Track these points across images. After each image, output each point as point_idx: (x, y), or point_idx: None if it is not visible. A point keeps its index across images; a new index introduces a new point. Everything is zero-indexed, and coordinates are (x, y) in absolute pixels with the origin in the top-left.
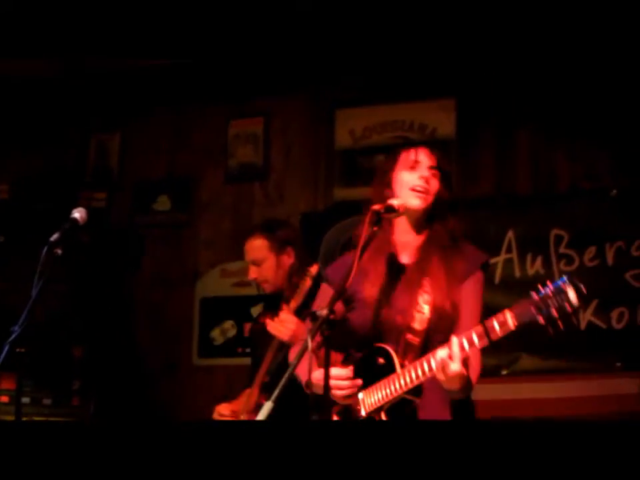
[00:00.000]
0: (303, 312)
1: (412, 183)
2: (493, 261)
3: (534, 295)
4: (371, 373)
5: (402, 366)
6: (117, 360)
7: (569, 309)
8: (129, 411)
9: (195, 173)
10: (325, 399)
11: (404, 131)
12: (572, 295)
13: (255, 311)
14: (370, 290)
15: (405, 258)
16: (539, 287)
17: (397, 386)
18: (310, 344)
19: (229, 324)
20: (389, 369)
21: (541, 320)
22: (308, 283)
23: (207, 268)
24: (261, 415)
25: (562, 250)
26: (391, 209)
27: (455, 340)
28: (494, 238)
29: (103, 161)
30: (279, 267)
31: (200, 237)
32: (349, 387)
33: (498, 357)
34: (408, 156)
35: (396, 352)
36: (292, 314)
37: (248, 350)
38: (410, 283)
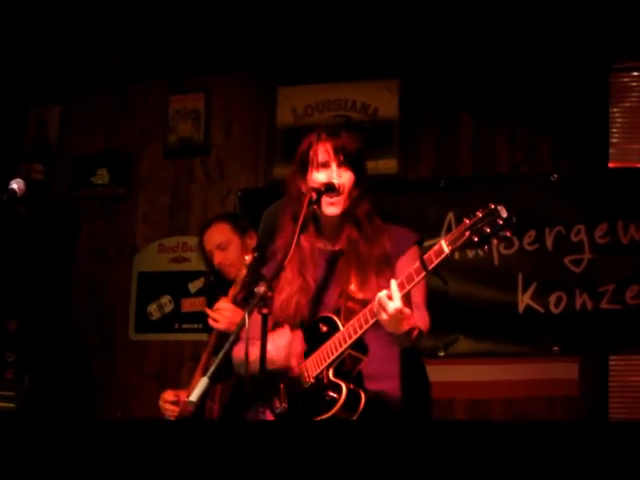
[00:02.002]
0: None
1: (337, 193)
2: (432, 242)
3: (465, 220)
4: (315, 342)
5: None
6: (53, 334)
7: (500, 222)
8: (64, 385)
9: (134, 147)
10: (264, 376)
11: (346, 110)
12: (502, 210)
13: (193, 286)
14: (297, 277)
15: (331, 245)
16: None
17: (342, 341)
18: (247, 321)
19: (165, 299)
20: (332, 332)
21: (474, 238)
22: (243, 272)
23: (144, 243)
24: (196, 391)
25: (501, 233)
26: (331, 188)
27: (393, 281)
28: (434, 219)
29: (42, 134)
30: (244, 250)
31: (138, 212)
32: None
33: (436, 338)
34: (316, 155)
35: (338, 316)
36: (230, 302)
37: (185, 326)
38: (339, 271)
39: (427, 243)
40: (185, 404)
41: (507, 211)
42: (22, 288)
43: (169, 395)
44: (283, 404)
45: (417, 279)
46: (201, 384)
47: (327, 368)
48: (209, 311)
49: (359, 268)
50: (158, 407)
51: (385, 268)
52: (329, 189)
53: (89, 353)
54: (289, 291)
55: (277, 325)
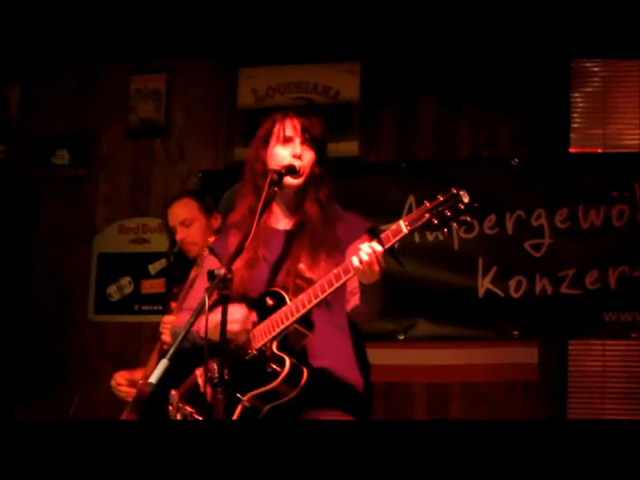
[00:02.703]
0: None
1: (285, 160)
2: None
3: (426, 202)
4: (261, 315)
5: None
6: (10, 314)
7: (461, 206)
8: (21, 366)
9: (95, 127)
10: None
11: (307, 92)
12: (464, 195)
13: (153, 268)
14: (245, 254)
15: (282, 225)
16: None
17: (288, 314)
18: (207, 302)
19: (125, 280)
20: (279, 306)
21: (434, 221)
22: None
23: (104, 223)
24: (156, 373)
25: (462, 217)
26: (292, 170)
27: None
28: (394, 203)
29: (2, 113)
30: (207, 229)
31: (98, 192)
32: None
33: (395, 321)
34: (281, 129)
35: (286, 291)
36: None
37: (145, 307)
38: (289, 250)
39: (385, 226)
40: (144, 385)
41: (469, 196)
42: None
43: (121, 377)
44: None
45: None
46: (161, 366)
47: (271, 340)
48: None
49: (310, 248)
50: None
51: (336, 252)
52: (290, 171)
53: (48, 334)
54: (238, 264)
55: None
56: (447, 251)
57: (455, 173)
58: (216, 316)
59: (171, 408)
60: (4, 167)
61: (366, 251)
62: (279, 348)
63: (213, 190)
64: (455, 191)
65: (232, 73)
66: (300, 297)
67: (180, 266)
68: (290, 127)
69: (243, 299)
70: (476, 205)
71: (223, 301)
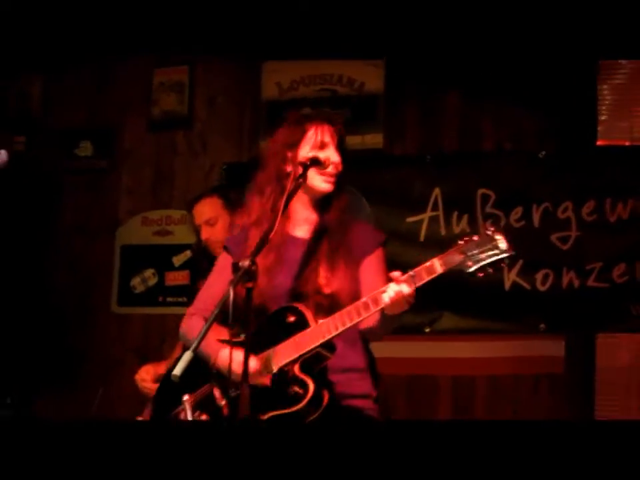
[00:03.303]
0: None
1: (322, 167)
2: (418, 218)
3: (460, 242)
4: (280, 331)
5: (316, 321)
6: (33, 306)
7: (497, 251)
8: (44, 358)
9: (118, 119)
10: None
11: (332, 84)
12: (501, 240)
13: (177, 260)
14: (262, 259)
15: (301, 232)
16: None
17: (314, 338)
18: (232, 294)
19: (149, 272)
20: (301, 325)
21: (469, 264)
22: None
23: (127, 216)
24: (181, 365)
25: (488, 209)
26: (316, 162)
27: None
28: (420, 195)
29: (24, 104)
30: (232, 227)
31: (121, 184)
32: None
33: (421, 314)
34: (316, 134)
35: (307, 308)
36: None
37: (169, 299)
38: (307, 259)
39: (411, 219)
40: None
41: (506, 241)
42: (3, 259)
43: (146, 372)
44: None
45: (405, 292)
46: (185, 358)
47: (293, 362)
48: None
49: (329, 257)
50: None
51: (353, 262)
52: (315, 162)
53: (71, 326)
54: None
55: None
56: None
57: (480, 165)
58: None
59: (182, 413)
60: (25, 159)
61: (396, 290)
62: (301, 369)
63: (237, 182)
64: (490, 233)
65: (255, 66)
66: (326, 321)
67: (205, 261)
68: (326, 133)
69: (260, 311)
70: (513, 253)
71: (247, 294)
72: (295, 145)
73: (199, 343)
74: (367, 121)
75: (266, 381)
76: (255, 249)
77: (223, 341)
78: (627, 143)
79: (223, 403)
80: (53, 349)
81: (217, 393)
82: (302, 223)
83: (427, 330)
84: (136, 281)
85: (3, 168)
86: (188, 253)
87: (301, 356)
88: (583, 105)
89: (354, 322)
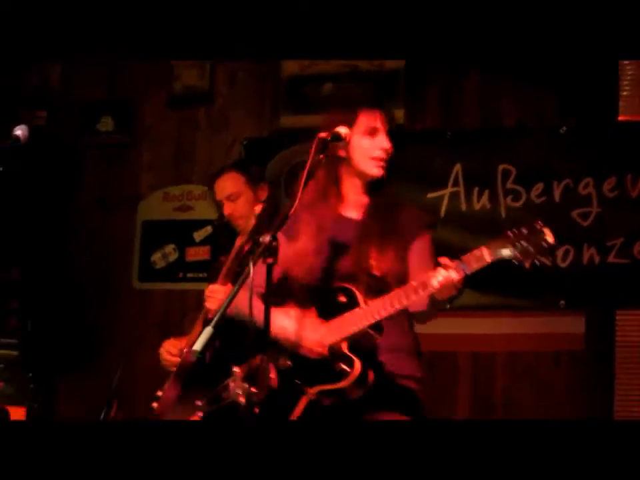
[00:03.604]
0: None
1: (373, 153)
2: (438, 194)
3: (509, 233)
4: (331, 310)
5: (365, 302)
6: (55, 282)
7: (545, 244)
8: (66, 333)
9: (139, 94)
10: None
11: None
12: (548, 233)
13: (198, 235)
14: (314, 240)
15: (353, 214)
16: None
17: (365, 318)
18: (252, 270)
19: (170, 248)
20: (351, 305)
21: (517, 255)
22: (252, 222)
23: (148, 191)
24: (200, 340)
25: (509, 185)
26: (337, 137)
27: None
28: (440, 171)
29: (45, 79)
30: (254, 202)
31: (142, 159)
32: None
33: None
34: (367, 120)
35: (357, 289)
36: (221, 284)
37: (189, 275)
38: (358, 238)
39: (432, 195)
40: (188, 353)
41: (552, 236)
42: (25, 236)
43: (170, 346)
44: (287, 361)
45: (456, 277)
46: (205, 333)
47: (342, 340)
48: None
49: (380, 238)
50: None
51: (402, 244)
52: (336, 137)
53: (92, 301)
54: (306, 250)
55: (285, 283)
56: (494, 220)
57: (501, 141)
58: (281, 319)
59: (232, 384)
60: (46, 134)
61: (445, 275)
62: (349, 348)
63: (257, 158)
64: (539, 227)
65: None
66: (375, 303)
67: (226, 235)
68: (377, 119)
69: (311, 288)
70: (556, 243)
71: (268, 269)
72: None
73: (221, 315)
74: (388, 96)
75: (324, 350)
76: (276, 224)
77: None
78: None
79: (272, 375)
80: (74, 326)
81: (267, 365)
82: (354, 204)
83: (447, 306)
84: (157, 257)
85: (24, 143)
86: (209, 229)
87: (350, 335)
88: (604, 81)
89: (403, 305)
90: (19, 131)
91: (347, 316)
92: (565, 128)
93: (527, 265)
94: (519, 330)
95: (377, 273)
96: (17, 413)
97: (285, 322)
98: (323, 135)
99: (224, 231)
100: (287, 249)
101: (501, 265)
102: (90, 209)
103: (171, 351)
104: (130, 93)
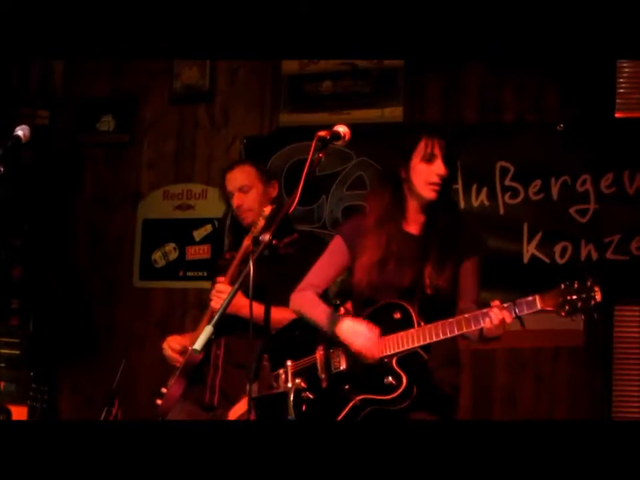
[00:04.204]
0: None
1: (429, 178)
2: None
3: (561, 285)
4: (386, 324)
5: (418, 324)
6: (57, 280)
7: (593, 303)
8: (68, 332)
9: (139, 93)
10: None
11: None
12: (598, 293)
13: (198, 234)
14: (379, 254)
15: (412, 229)
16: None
17: (417, 339)
18: (252, 269)
19: (170, 246)
20: (406, 324)
21: (566, 307)
22: (261, 223)
23: (149, 189)
24: (201, 339)
25: (507, 182)
26: (337, 136)
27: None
28: None
29: (47, 79)
30: (264, 197)
31: (143, 158)
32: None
33: None
34: (426, 147)
35: (412, 308)
36: (227, 284)
37: (189, 273)
38: (417, 254)
39: None
40: (191, 352)
41: (601, 294)
42: (26, 235)
43: (173, 341)
44: (342, 366)
45: (508, 320)
46: (206, 332)
47: (394, 355)
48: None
49: (439, 255)
50: (161, 355)
51: (454, 263)
52: (335, 137)
53: (93, 300)
54: (367, 263)
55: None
56: (492, 217)
57: (499, 138)
58: (347, 324)
59: (282, 376)
60: (49, 133)
61: (499, 317)
62: (398, 363)
63: (257, 155)
64: (589, 284)
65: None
66: (429, 327)
67: (233, 232)
68: (435, 146)
69: (370, 300)
70: (602, 302)
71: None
72: (408, 153)
73: (224, 311)
74: (387, 94)
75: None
76: (274, 224)
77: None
78: None
79: (323, 376)
80: (76, 322)
81: (319, 365)
82: (413, 221)
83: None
84: (157, 255)
85: (25, 142)
86: (209, 227)
87: (401, 352)
88: (601, 77)
89: (454, 334)
90: (20, 131)
91: (401, 334)
92: (562, 125)
93: (567, 315)
94: (518, 326)
95: (429, 291)
96: (19, 412)
97: (350, 327)
98: (322, 133)
99: (231, 225)
100: (345, 256)
101: (499, 260)
102: (91, 207)
103: (173, 347)
104: (130, 91)
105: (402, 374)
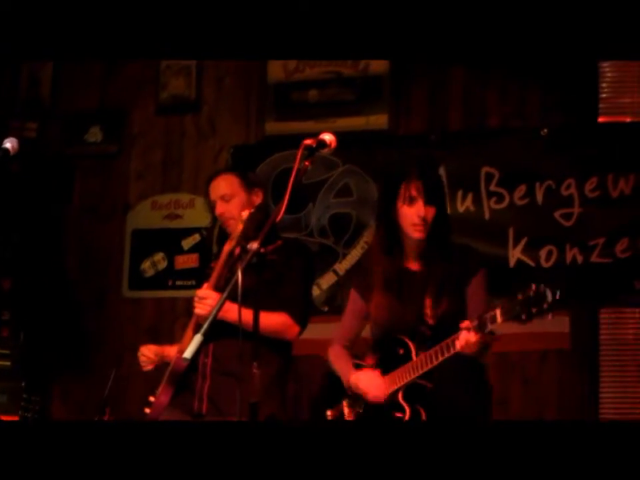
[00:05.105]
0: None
1: (412, 220)
2: None
3: (518, 296)
4: (392, 361)
5: (417, 355)
6: (47, 291)
7: (545, 306)
8: (58, 342)
9: (126, 104)
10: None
11: (337, 65)
12: (548, 293)
13: (186, 243)
14: (383, 294)
15: (413, 265)
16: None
17: (412, 371)
18: (240, 277)
19: (159, 256)
20: (406, 358)
21: (522, 316)
22: (240, 227)
23: (137, 200)
24: (190, 348)
25: (492, 188)
26: (323, 144)
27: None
28: None
29: (35, 91)
30: (248, 205)
31: (131, 169)
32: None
33: None
34: (405, 190)
35: (412, 342)
36: (211, 289)
37: (178, 282)
38: (418, 289)
39: None
40: (179, 359)
41: (552, 295)
42: (15, 246)
43: (146, 349)
44: (360, 410)
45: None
46: (195, 341)
47: (397, 391)
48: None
49: (434, 289)
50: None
51: (456, 286)
52: (321, 145)
53: (83, 310)
54: (378, 301)
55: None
56: (478, 222)
57: (484, 144)
58: (355, 376)
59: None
60: (37, 145)
61: (466, 338)
62: (404, 396)
63: (244, 164)
64: (542, 290)
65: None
66: (422, 356)
67: (220, 241)
68: (413, 188)
69: (378, 340)
70: (557, 297)
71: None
72: (392, 199)
73: (213, 319)
74: (372, 102)
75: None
76: (261, 234)
77: None
78: (628, 119)
79: (351, 418)
80: (66, 332)
81: (345, 409)
82: (412, 258)
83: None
84: (146, 265)
85: (14, 154)
86: (197, 237)
87: (402, 386)
88: (584, 82)
89: (439, 361)
90: (9, 144)
91: (402, 368)
92: (546, 130)
93: (526, 321)
94: (505, 330)
95: (430, 321)
96: None
97: (356, 378)
98: (308, 141)
99: (217, 235)
100: (360, 305)
101: (484, 265)
102: (80, 218)
103: (145, 354)
104: (118, 102)
105: (405, 406)
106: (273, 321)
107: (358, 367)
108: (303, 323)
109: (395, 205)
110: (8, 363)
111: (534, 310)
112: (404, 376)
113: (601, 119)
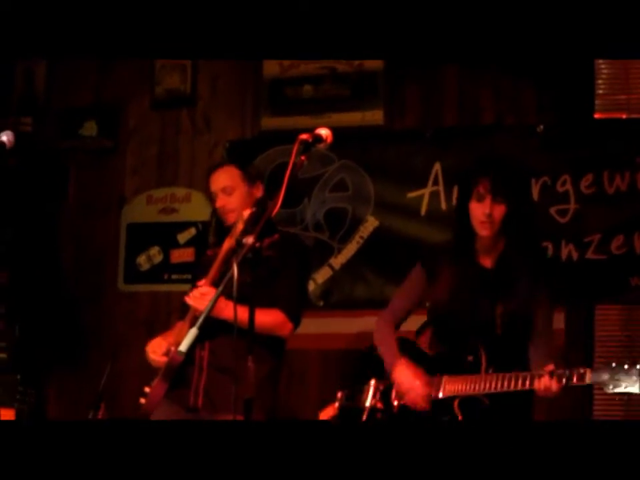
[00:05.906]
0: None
1: (479, 217)
2: (418, 193)
3: (614, 364)
4: (457, 365)
5: (487, 370)
6: (42, 285)
7: (635, 388)
8: (54, 336)
9: (121, 98)
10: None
11: (332, 61)
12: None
13: (182, 237)
14: (451, 282)
15: (486, 262)
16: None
17: (478, 387)
18: (236, 272)
19: (155, 250)
20: (474, 368)
21: (610, 387)
22: (240, 226)
23: (133, 194)
24: (186, 341)
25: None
26: (319, 139)
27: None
28: (420, 170)
29: (30, 86)
30: (248, 198)
31: (126, 163)
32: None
33: None
34: (476, 187)
35: (484, 351)
36: (210, 285)
37: (174, 276)
38: (490, 287)
39: (412, 194)
40: (174, 354)
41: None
42: (11, 240)
43: (156, 345)
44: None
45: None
46: (190, 334)
47: (456, 397)
48: (191, 295)
49: (507, 295)
50: (146, 357)
51: (528, 284)
52: (318, 140)
53: (79, 304)
54: (443, 295)
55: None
56: None
57: (480, 139)
58: (400, 376)
59: (365, 394)
60: (32, 140)
61: (547, 385)
62: (459, 405)
63: (240, 159)
64: (638, 367)
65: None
66: (493, 377)
67: (217, 231)
68: (481, 185)
69: (445, 336)
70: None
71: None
72: (467, 197)
73: (208, 313)
74: (367, 97)
75: (426, 405)
76: (257, 228)
77: None
78: (624, 116)
79: (396, 403)
80: (62, 326)
81: (394, 391)
82: (486, 255)
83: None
84: (142, 259)
85: (10, 148)
86: (192, 231)
87: (464, 395)
88: (580, 79)
89: (511, 389)
90: (4, 137)
91: (468, 378)
92: (541, 126)
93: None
94: None
95: (499, 331)
96: (6, 415)
97: (399, 377)
98: (304, 136)
99: (215, 227)
100: (422, 284)
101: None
102: (75, 212)
103: (156, 350)
104: (113, 97)
105: (459, 414)
106: (267, 318)
107: (416, 354)
108: (296, 320)
109: (468, 203)
110: (4, 356)
111: (623, 384)
112: (468, 387)
113: (596, 116)
